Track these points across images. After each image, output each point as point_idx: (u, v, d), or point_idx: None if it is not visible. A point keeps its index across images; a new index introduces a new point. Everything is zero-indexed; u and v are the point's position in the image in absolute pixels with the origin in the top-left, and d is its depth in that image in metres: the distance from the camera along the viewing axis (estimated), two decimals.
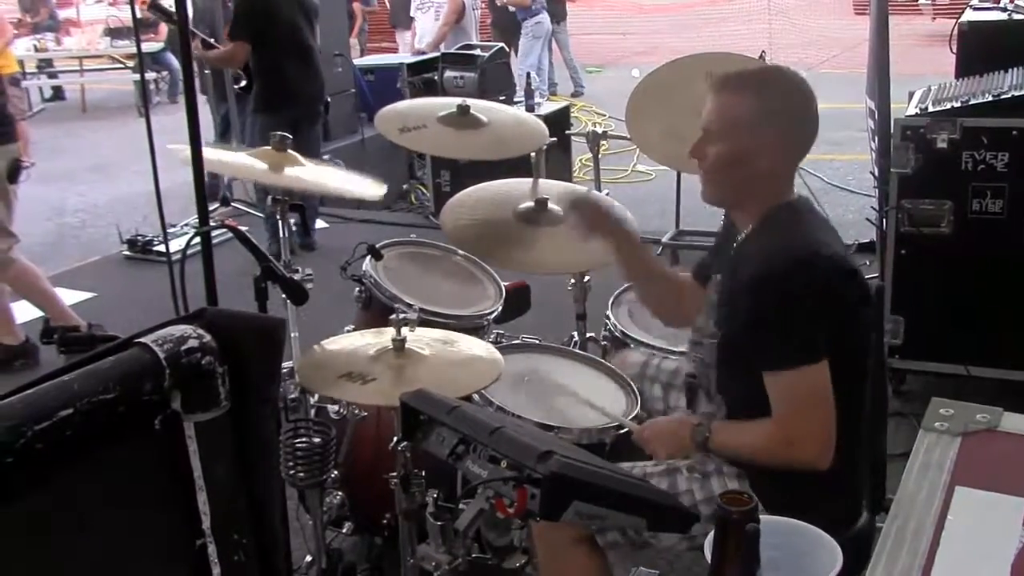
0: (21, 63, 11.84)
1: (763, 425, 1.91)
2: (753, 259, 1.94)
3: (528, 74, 7.35)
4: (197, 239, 2.28)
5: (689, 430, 2.03)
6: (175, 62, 10.76)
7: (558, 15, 11.07)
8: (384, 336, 2.22)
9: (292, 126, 5.32)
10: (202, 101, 6.25)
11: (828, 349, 1.84)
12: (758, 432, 1.93)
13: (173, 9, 5.84)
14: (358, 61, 7.99)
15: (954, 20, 4.13)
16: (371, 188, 2.92)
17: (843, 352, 1.87)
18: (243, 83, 5.57)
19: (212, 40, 5.92)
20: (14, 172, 4.27)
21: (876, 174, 3.81)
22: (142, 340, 1.10)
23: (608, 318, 2.87)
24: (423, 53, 8.01)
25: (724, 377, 2.03)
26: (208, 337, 1.13)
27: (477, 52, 6.74)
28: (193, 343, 1.11)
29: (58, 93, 12.80)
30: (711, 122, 1.98)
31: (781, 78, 2.03)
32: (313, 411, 2.59)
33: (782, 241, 1.92)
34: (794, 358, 1.84)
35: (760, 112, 1.93)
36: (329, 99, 5.81)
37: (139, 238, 5.99)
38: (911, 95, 3.82)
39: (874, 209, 3.80)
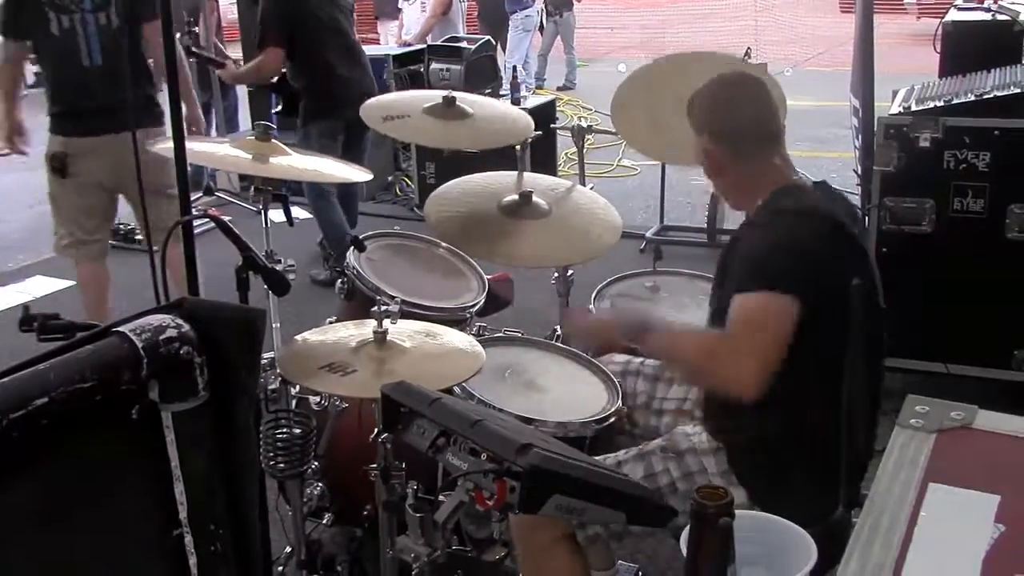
0: None
1: (707, 335, 2.01)
2: (754, 222, 2.08)
3: (514, 67, 7.35)
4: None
5: (622, 326, 2.14)
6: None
7: (563, 5, 11.01)
8: (366, 328, 2.22)
9: (347, 130, 5.21)
10: None
11: (803, 296, 1.87)
12: (700, 337, 2.03)
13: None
14: None
15: (939, 20, 4.16)
16: (357, 174, 2.91)
17: (830, 334, 1.88)
18: (279, 107, 5.20)
19: (215, 55, 5.75)
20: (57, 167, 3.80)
21: (859, 172, 3.84)
22: (120, 329, 1.10)
23: (591, 312, 2.87)
24: (409, 45, 7.99)
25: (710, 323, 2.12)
26: (187, 327, 1.12)
27: (463, 45, 6.73)
28: (171, 333, 1.11)
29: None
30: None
31: (703, 93, 2.16)
32: (294, 402, 2.58)
33: (783, 204, 2.03)
34: (760, 283, 1.89)
35: (703, 114, 2.13)
36: None
37: (121, 227, 5.94)
38: (895, 94, 3.84)
39: (856, 207, 3.82)
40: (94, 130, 3.79)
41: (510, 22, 10.32)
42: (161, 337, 1.10)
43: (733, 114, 2.11)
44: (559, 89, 10.79)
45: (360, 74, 5.17)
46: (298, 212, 6.17)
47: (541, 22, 10.85)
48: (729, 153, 2.10)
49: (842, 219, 2.00)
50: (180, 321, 1.12)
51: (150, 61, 3.90)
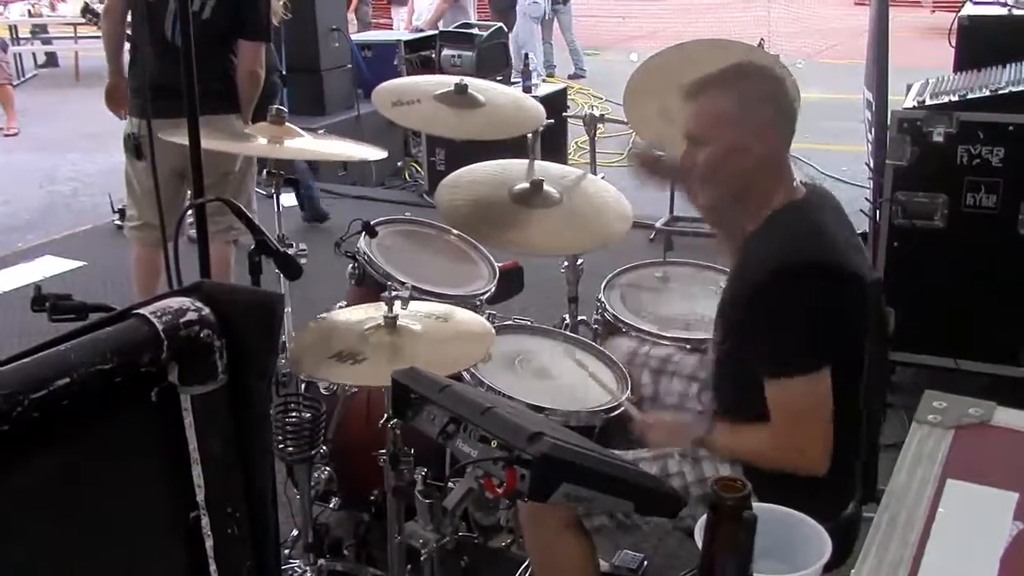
0: (14, 28, 11.74)
1: (761, 432, 1.89)
2: (756, 264, 1.91)
3: (526, 55, 7.32)
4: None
5: (690, 433, 2.04)
6: None
7: None
8: (376, 313, 2.21)
9: None
10: None
11: (829, 355, 1.82)
12: (757, 439, 1.92)
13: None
14: (355, 36, 7.95)
15: (954, 14, 4.13)
16: (370, 152, 2.88)
17: (842, 352, 1.87)
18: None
19: None
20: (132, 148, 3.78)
21: (871, 165, 3.82)
22: (140, 311, 1.09)
23: (600, 301, 2.87)
24: (420, 30, 7.97)
25: (718, 376, 2.05)
26: (207, 310, 1.12)
27: (475, 31, 6.72)
28: (192, 316, 1.10)
29: (51, 59, 12.69)
30: (694, 127, 1.95)
31: (752, 66, 2.00)
32: (303, 386, 2.58)
33: (785, 247, 1.88)
34: (793, 367, 1.82)
35: (743, 101, 1.90)
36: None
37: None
38: (909, 87, 3.82)
39: (868, 200, 3.80)
40: (164, 111, 3.72)
41: (517, 8, 10.29)
42: (181, 320, 1.09)
43: (786, 87, 1.95)
44: (570, 78, 10.76)
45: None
46: None
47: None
48: (775, 127, 1.92)
49: (854, 262, 1.90)
50: (200, 304, 1.12)
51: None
